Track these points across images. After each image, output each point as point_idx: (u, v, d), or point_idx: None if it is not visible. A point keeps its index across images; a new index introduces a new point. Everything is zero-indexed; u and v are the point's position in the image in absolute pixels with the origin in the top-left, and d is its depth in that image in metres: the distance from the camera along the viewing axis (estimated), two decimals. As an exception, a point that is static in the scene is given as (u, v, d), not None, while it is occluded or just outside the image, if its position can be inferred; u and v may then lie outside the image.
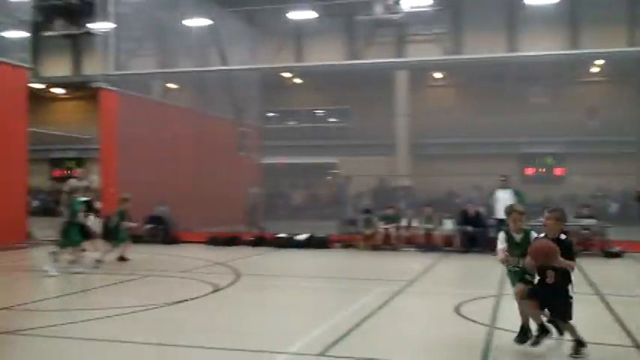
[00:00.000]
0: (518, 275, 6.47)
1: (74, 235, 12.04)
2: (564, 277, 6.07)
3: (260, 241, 17.83)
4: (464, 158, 27.64)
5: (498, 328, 7.33)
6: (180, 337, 7.01)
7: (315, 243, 17.37)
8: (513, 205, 7.01)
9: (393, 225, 17.03)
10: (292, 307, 9.27)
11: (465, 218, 16.37)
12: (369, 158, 28.40)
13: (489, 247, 16.01)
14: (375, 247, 16.76)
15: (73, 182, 15.11)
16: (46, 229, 16.97)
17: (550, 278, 6.07)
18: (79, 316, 8.24)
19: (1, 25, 19.85)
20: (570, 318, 6.08)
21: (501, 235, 6.66)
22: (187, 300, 9.31)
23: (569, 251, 6.07)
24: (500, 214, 15.62)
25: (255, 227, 20.42)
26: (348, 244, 17.33)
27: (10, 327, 7.53)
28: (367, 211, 17.61)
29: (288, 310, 8.97)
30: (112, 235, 13.91)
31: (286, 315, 8.60)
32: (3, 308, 8.69)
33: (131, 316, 8.19)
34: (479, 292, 10.00)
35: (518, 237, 6.56)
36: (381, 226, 17.08)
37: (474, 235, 16.05)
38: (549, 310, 6.20)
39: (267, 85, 26.46)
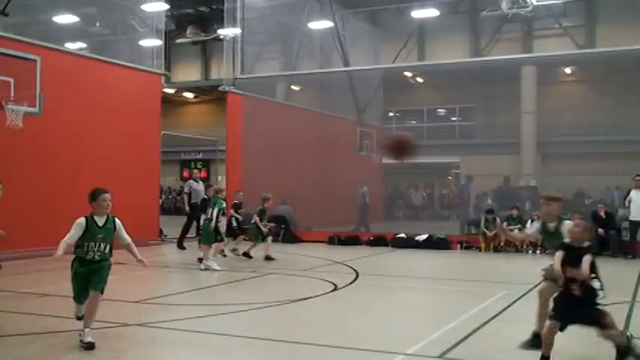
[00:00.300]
0: None
1: (210, 233, 12.70)
2: (589, 288, 5.53)
3: (379, 241, 17.85)
4: (593, 157, 26.22)
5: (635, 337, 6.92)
6: (300, 334, 7.16)
7: (435, 243, 17.17)
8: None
9: (517, 226, 16.48)
10: (411, 307, 9.22)
11: (595, 220, 15.57)
12: (493, 157, 27.63)
13: (621, 250, 15.21)
14: (498, 249, 16.32)
15: (193, 184, 15.84)
16: (175, 227, 17.91)
17: (576, 290, 5.55)
18: (207, 310, 8.63)
19: (139, 34, 21.18)
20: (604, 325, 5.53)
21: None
22: (308, 298, 9.49)
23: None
24: (636, 215, 14.85)
25: (363, 227, 20.46)
26: (469, 245, 16.99)
27: (143, 319, 8.00)
28: (490, 212, 17.17)
29: (408, 311, 8.93)
30: (252, 233, 14.57)
31: (405, 316, 8.57)
32: (139, 301, 9.26)
33: (254, 312, 8.46)
34: (609, 298, 9.47)
35: (551, 226, 6.35)
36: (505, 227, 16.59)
37: (605, 238, 15.23)
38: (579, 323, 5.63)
39: (388, 85, 26.44)
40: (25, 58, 12.29)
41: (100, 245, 6.61)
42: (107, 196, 6.68)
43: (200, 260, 12.78)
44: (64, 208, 14.30)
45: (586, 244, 5.67)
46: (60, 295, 8.80)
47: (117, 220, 6.75)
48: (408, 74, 31.89)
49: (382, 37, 28.10)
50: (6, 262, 12.56)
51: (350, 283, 10.93)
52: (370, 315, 8.51)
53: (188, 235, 17.05)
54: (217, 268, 12.31)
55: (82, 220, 6.56)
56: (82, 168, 15.42)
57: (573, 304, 5.56)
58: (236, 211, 15.39)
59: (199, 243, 13.77)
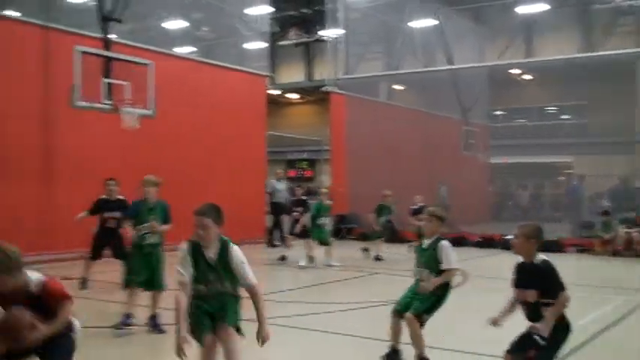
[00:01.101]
0: None
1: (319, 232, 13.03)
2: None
3: (487, 242, 17.36)
4: None
5: None
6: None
7: (546, 246, 16.43)
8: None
9: (637, 229, 15.57)
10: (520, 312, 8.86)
11: None
12: (607, 157, 26.28)
13: None
14: (615, 253, 15.46)
15: (274, 184, 15.81)
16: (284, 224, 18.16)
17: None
18: (315, 308, 8.65)
19: (244, 38, 21.67)
20: None
21: None
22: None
23: (547, 281, 4.74)
24: None
25: (450, 227, 19.81)
26: (583, 249, 16.20)
27: (253, 315, 8.11)
28: (606, 214, 16.31)
29: (520, 316, 8.58)
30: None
31: (519, 320, 8.24)
32: (247, 297, 9.41)
33: (364, 311, 8.41)
34: None
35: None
36: (622, 230, 15.71)
37: None
38: None
39: (494, 83, 25.70)
40: (139, 63, 12.81)
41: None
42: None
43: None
44: (174, 209, 14.77)
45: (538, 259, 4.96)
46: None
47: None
48: (515, 71, 30.88)
49: (487, 34, 27.37)
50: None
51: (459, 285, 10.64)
52: (480, 317, 8.23)
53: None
54: (335, 263, 12.76)
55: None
56: (192, 168, 15.93)
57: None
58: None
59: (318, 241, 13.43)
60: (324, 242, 13.23)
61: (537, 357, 4.69)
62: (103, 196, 9.93)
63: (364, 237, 16.26)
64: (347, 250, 15.81)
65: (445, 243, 5.87)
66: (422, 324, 5.82)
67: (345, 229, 19.72)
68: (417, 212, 14.33)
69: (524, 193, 30.43)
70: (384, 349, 6.54)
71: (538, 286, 4.74)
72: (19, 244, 10.59)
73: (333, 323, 7.72)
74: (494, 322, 5.17)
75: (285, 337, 7.11)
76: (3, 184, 12.36)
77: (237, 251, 4.83)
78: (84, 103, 11.74)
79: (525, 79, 32.58)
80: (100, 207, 9.90)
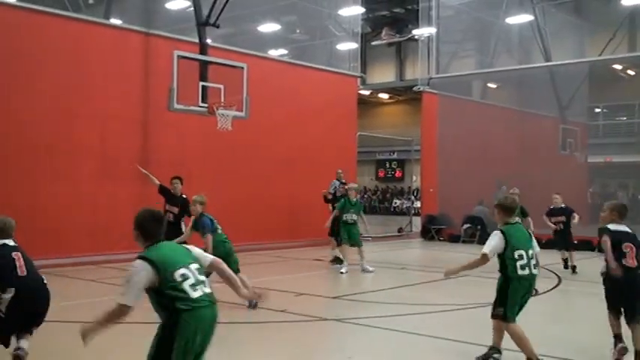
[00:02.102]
0: None
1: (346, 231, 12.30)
2: None
3: (585, 245, 16.73)
4: None
5: None
6: (485, 338, 6.92)
7: (649, 250, 15.70)
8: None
9: None
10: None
11: None
12: None
13: None
14: None
15: (337, 185, 15.55)
16: (371, 226, 18.18)
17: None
18: (399, 309, 8.66)
19: (336, 39, 21.85)
20: None
21: None
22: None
23: None
24: None
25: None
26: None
27: (340, 315, 8.22)
28: None
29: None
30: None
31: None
32: (336, 297, 9.55)
33: (446, 314, 8.34)
34: None
35: None
36: None
37: None
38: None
39: (594, 79, 24.67)
40: (233, 66, 13.19)
41: None
42: None
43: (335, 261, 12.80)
44: (266, 204, 15.18)
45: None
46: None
47: None
48: (618, 67, 29.53)
49: (587, 29, 26.29)
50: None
51: (551, 289, 10.37)
52: (570, 322, 8.00)
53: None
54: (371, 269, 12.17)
55: None
56: (284, 168, 16.24)
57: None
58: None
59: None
60: (353, 243, 12.22)
61: None
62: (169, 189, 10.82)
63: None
64: (436, 252, 15.68)
65: (494, 231, 5.92)
66: (505, 320, 5.79)
67: (434, 230, 19.52)
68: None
69: (624, 194, 29.04)
70: (466, 354, 6.48)
71: None
72: (119, 242, 11.17)
73: (415, 324, 7.70)
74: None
75: (369, 335, 7.17)
76: (105, 183, 13.05)
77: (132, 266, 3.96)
78: (181, 106, 12.21)
79: (629, 74, 31.09)
80: (165, 192, 10.79)
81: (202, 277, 4.15)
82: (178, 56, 12.08)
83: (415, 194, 28.61)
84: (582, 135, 23.58)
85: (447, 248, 17.24)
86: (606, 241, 6.00)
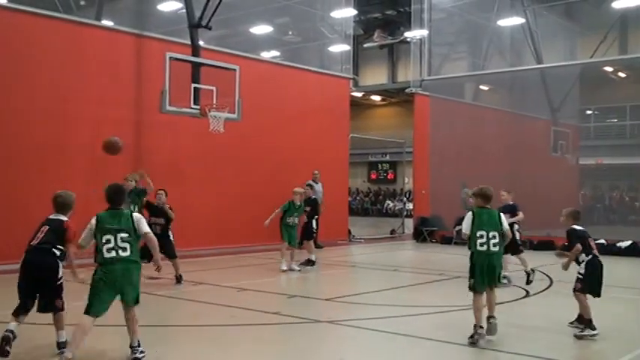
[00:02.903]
0: None
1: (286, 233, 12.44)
2: None
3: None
4: None
5: None
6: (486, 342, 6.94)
7: (641, 250, 15.80)
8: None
9: None
10: (613, 319, 8.55)
11: None
12: None
13: None
14: None
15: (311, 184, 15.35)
16: (363, 227, 18.21)
17: None
18: (392, 311, 8.67)
19: (328, 41, 21.87)
20: None
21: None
22: (499, 304, 9.17)
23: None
24: None
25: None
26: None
27: (333, 317, 8.22)
28: None
29: (608, 324, 8.29)
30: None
31: (606, 328, 7.97)
32: (329, 299, 9.54)
33: (440, 315, 8.35)
34: None
35: None
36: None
37: None
38: None
39: (585, 81, 24.78)
40: (225, 68, 13.19)
41: None
42: None
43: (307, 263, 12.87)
44: (258, 207, 15.14)
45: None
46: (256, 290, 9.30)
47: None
48: (609, 69, 29.69)
49: (578, 31, 26.43)
50: (204, 258, 13.55)
51: (542, 291, 10.41)
52: (564, 325, 8.02)
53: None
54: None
55: None
56: (277, 169, 16.23)
57: None
58: None
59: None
60: (292, 244, 12.34)
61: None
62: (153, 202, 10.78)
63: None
64: (428, 254, 15.71)
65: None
66: (473, 290, 7.07)
67: (427, 232, 19.55)
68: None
69: (615, 195, 29.20)
70: (461, 353, 6.50)
71: None
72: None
73: (415, 327, 7.71)
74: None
75: (362, 337, 7.17)
76: (98, 185, 12.96)
77: None
78: (173, 108, 12.20)
79: (620, 77, 31.26)
80: (149, 207, 10.74)
81: (123, 244, 5.91)
82: (170, 58, 12.07)
83: (407, 196, 28.65)
84: (574, 137, 23.69)
85: (439, 250, 17.29)
86: (578, 246, 7.49)
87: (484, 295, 6.99)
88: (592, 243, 7.56)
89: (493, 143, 21.16)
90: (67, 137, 12.77)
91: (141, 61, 13.92)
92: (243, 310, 8.56)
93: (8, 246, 10.60)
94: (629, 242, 16.22)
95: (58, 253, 6.08)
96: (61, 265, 6.11)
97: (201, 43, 13.84)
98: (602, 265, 7.40)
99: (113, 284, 5.84)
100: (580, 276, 7.33)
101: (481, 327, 6.78)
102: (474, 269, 6.95)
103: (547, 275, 12.06)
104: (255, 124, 15.35)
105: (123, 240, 5.90)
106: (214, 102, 12.74)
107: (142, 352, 6.03)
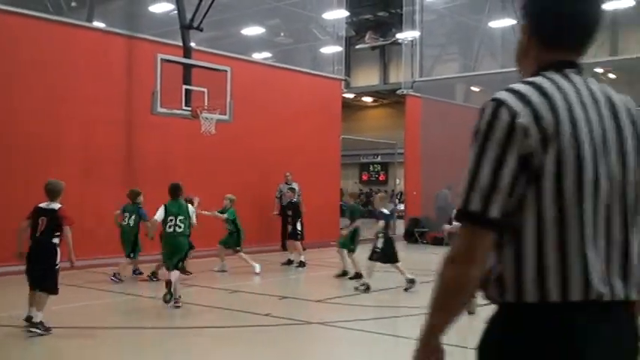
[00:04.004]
0: None
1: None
2: None
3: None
4: None
5: None
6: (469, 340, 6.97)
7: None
8: None
9: None
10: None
11: None
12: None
13: None
14: None
15: (282, 188, 15.32)
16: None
17: None
18: (383, 312, 8.69)
19: (320, 42, 21.90)
20: None
21: None
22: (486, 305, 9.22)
23: None
24: None
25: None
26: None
27: (324, 318, 8.23)
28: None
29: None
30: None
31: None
32: (318, 300, 9.55)
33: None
34: None
35: None
36: None
37: None
38: None
39: (576, 82, 24.91)
40: (217, 69, 13.18)
41: None
42: None
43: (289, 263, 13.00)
44: (250, 208, 15.16)
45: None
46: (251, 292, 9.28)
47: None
48: (599, 70, 29.84)
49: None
50: (196, 260, 13.53)
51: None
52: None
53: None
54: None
55: None
56: (268, 171, 16.22)
57: None
58: None
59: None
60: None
61: None
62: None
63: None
64: (419, 255, 15.73)
65: None
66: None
67: (418, 233, 19.58)
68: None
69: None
70: (457, 353, 6.53)
71: None
72: (104, 245, 11.19)
73: (397, 327, 7.73)
74: None
75: (355, 340, 7.18)
76: (90, 185, 12.96)
77: None
78: (164, 110, 12.18)
79: (610, 78, 31.42)
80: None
81: (180, 224, 8.84)
82: (162, 59, 12.06)
83: (399, 197, 28.69)
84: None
85: (430, 251, 17.30)
86: None
87: None
88: None
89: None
90: (59, 138, 12.72)
91: (132, 62, 13.89)
92: (235, 312, 8.56)
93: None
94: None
95: (56, 240, 6.97)
96: (58, 251, 6.96)
97: (192, 44, 13.83)
98: None
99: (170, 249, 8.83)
100: None
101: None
102: None
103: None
104: (247, 125, 15.34)
105: (180, 221, 8.81)
106: (206, 103, 12.73)
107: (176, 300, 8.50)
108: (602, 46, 25.06)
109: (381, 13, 32.84)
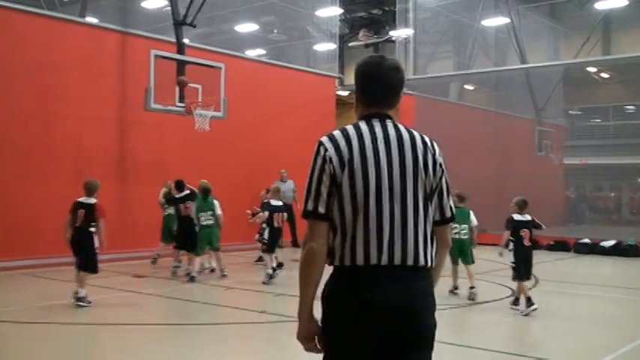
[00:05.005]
0: None
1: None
2: None
3: (560, 246, 16.90)
4: None
5: None
6: (471, 339, 6.94)
7: (624, 250, 15.90)
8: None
9: None
10: (595, 318, 8.60)
11: None
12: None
13: None
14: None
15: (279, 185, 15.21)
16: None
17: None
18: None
19: (314, 39, 21.84)
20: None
21: None
22: (484, 302, 9.20)
23: None
24: None
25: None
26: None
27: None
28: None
29: (590, 322, 8.33)
30: None
31: (587, 326, 8.01)
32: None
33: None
34: None
35: None
36: None
37: None
38: None
39: (569, 81, 24.97)
40: (211, 66, 13.10)
41: None
42: None
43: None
44: (243, 204, 15.06)
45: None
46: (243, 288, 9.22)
47: None
48: (592, 69, 29.92)
49: (562, 32, 26.61)
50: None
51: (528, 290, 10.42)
52: (549, 324, 8.05)
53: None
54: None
55: None
56: (262, 167, 16.17)
57: None
58: None
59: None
60: (212, 247, 11.55)
61: None
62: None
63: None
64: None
65: None
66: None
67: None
68: None
69: (600, 195, 29.44)
70: (444, 352, 6.51)
71: None
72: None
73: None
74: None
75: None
76: (81, 184, 12.85)
77: None
78: (158, 106, 12.10)
79: (603, 77, 31.52)
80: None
81: (210, 217, 11.03)
82: (155, 56, 11.97)
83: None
84: (559, 137, 23.84)
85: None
86: (507, 231, 8.76)
87: (458, 267, 9.82)
88: (524, 233, 8.62)
89: (479, 143, 21.24)
90: (50, 135, 12.62)
91: (125, 58, 13.80)
92: (230, 309, 8.51)
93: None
94: (613, 241, 16.32)
95: (93, 229, 8.41)
96: (95, 238, 8.40)
97: (186, 40, 13.74)
98: (528, 253, 8.63)
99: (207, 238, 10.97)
100: (512, 264, 8.58)
101: (456, 287, 9.87)
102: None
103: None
104: (241, 122, 15.28)
105: (210, 215, 11.00)
106: (199, 100, 12.65)
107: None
108: (595, 45, 25.14)
109: (374, 11, 32.75)
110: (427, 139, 2.85)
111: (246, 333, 7.31)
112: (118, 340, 6.97)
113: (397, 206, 2.58)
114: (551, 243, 17.18)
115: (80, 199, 8.59)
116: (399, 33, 23.19)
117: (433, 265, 2.70)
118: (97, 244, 8.41)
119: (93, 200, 8.56)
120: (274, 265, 10.95)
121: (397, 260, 2.55)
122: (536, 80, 23.05)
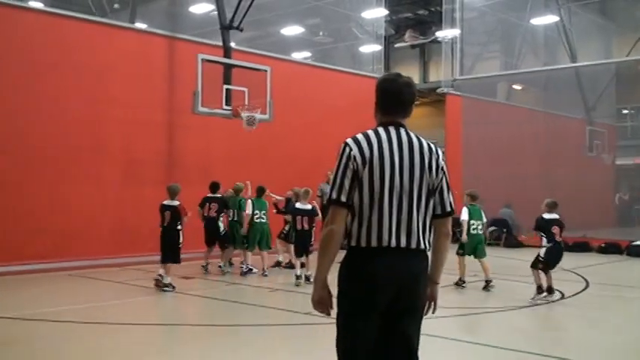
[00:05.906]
0: None
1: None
2: None
3: (612, 248, 16.49)
4: None
5: None
6: (518, 343, 6.83)
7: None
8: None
9: None
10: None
11: None
12: None
13: None
14: None
15: (323, 187, 15.10)
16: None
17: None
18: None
19: (359, 41, 21.82)
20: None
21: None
22: (526, 307, 9.07)
23: None
24: None
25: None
26: None
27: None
28: None
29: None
30: None
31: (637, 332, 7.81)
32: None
33: (466, 318, 8.26)
34: None
35: None
36: None
37: None
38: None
39: (622, 80, 24.30)
40: (257, 69, 13.22)
41: None
42: None
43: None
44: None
45: None
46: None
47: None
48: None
49: (614, 29, 25.94)
50: (237, 257, 13.60)
51: (579, 292, 10.23)
52: (598, 326, 7.88)
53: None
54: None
55: None
56: (308, 169, 16.21)
57: None
58: None
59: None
60: (260, 246, 12.08)
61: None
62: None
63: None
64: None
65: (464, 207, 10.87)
66: (462, 255, 10.85)
67: (459, 233, 19.32)
68: None
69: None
70: (484, 354, 6.42)
71: None
72: (145, 244, 11.31)
73: (432, 327, 7.63)
74: None
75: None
76: (130, 187, 13.15)
77: None
78: (205, 109, 12.27)
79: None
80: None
81: (263, 215, 11.83)
82: (202, 59, 12.15)
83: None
84: (610, 137, 23.26)
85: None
86: (538, 229, 9.47)
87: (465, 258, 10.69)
88: (556, 231, 9.26)
89: (527, 143, 20.90)
90: (101, 139, 12.93)
91: (173, 62, 14.05)
92: (276, 310, 8.58)
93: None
94: (666, 244, 15.86)
95: (179, 227, 9.70)
96: (181, 235, 9.74)
97: (232, 44, 13.91)
98: (560, 251, 9.47)
99: (259, 234, 11.73)
100: (541, 258, 9.30)
101: (463, 282, 10.68)
102: (467, 244, 10.66)
103: (583, 277, 11.86)
104: (286, 124, 15.36)
105: (263, 213, 11.73)
106: (246, 103, 12.78)
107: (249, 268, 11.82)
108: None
109: (420, 12, 32.55)
110: (432, 146, 3.39)
111: (292, 334, 7.35)
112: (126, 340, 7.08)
113: (405, 199, 3.14)
114: (602, 245, 16.79)
115: (165, 202, 9.81)
116: (445, 33, 22.99)
117: (429, 248, 3.27)
118: (181, 239, 9.69)
119: (176, 202, 9.76)
120: (297, 272, 10.75)
121: (403, 243, 3.14)
122: (586, 79, 22.54)
